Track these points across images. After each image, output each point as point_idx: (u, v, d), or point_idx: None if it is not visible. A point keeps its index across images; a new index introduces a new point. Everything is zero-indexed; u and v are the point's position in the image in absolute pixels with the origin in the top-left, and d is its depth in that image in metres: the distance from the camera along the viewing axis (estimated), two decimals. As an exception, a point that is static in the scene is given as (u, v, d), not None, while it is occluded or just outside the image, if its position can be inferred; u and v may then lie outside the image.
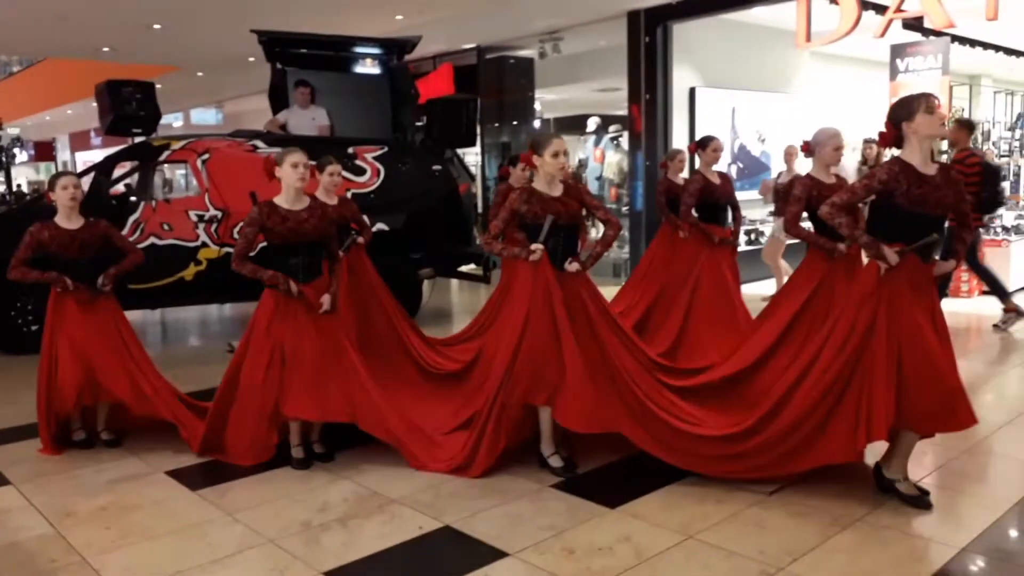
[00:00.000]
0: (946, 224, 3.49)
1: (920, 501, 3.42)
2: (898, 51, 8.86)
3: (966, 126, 7.10)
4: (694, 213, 5.75)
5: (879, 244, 3.27)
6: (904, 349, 3.27)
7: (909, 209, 3.26)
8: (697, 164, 5.95)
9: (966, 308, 7.79)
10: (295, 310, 3.98)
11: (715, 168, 5.91)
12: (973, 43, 9.85)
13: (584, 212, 3.97)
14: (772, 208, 8.65)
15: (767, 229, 8.97)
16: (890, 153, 4.57)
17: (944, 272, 3.48)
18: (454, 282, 10.05)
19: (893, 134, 3.39)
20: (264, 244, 4.06)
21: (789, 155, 8.39)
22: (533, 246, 3.73)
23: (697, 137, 6.75)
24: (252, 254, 3.97)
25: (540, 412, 3.88)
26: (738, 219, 6.00)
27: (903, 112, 3.33)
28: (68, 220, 4.31)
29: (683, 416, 3.81)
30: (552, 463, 3.89)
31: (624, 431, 3.77)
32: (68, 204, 4.28)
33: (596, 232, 8.63)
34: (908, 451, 3.48)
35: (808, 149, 4.48)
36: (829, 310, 4.12)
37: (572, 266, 3.83)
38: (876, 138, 9.50)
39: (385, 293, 5.32)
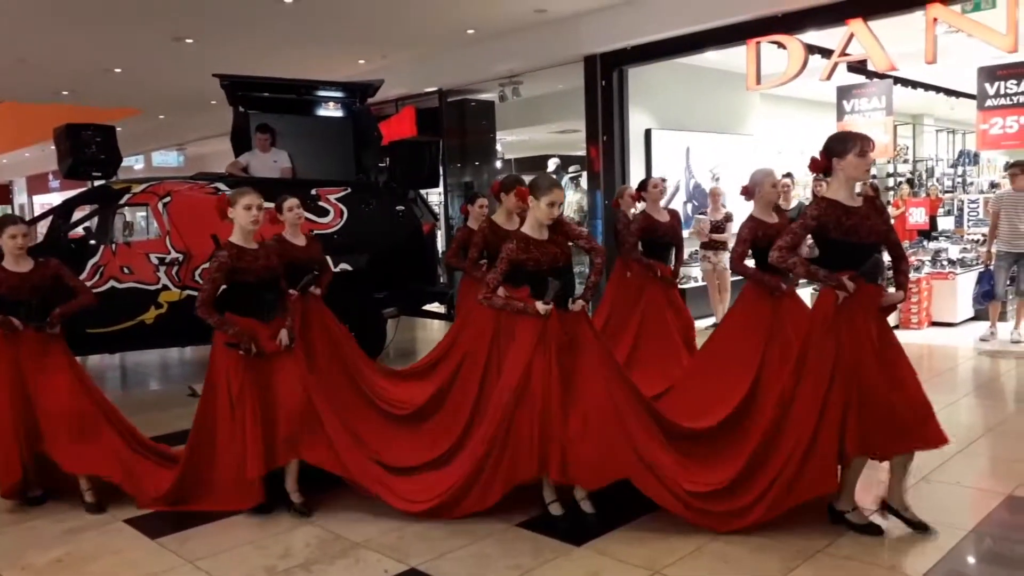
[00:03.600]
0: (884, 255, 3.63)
1: (871, 528, 3.52)
2: (844, 92, 9.23)
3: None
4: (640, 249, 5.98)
5: (836, 275, 3.39)
6: (866, 372, 3.36)
7: (844, 239, 3.41)
8: (641, 206, 6.21)
9: (916, 339, 8.02)
10: (251, 361, 3.94)
11: (667, 206, 6.12)
12: (915, 84, 10.31)
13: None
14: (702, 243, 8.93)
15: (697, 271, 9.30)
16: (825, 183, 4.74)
17: (893, 302, 3.59)
18: (419, 321, 10.05)
19: (823, 164, 3.53)
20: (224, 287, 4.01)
21: (715, 195, 8.80)
22: (540, 307, 3.67)
23: (651, 176, 7.01)
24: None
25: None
26: (679, 257, 6.23)
27: (838, 147, 3.48)
28: (16, 264, 4.21)
29: (688, 467, 3.76)
30: (552, 511, 3.80)
31: (631, 478, 3.67)
32: (16, 253, 4.19)
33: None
34: (855, 480, 3.59)
35: (748, 192, 4.62)
36: (782, 344, 4.25)
37: (576, 305, 3.80)
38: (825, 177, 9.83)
39: (342, 335, 5.26)
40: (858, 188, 3.64)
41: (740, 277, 4.85)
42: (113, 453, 4.24)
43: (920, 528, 3.51)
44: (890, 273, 3.82)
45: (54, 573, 3.46)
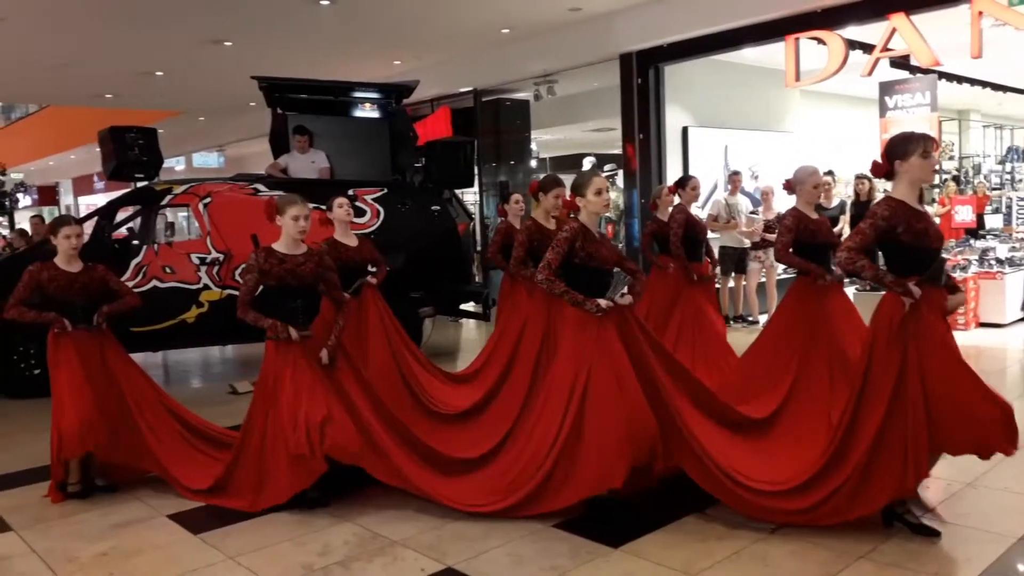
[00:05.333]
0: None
1: (927, 530, 3.42)
2: (886, 88, 9.04)
3: None
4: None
5: (904, 281, 3.28)
6: (936, 375, 3.25)
7: (912, 243, 3.30)
8: (677, 202, 6.23)
9: (964, 340, 7.81)
10: (298, 355, 4.00)
11: (702, 205, 6.11)
12: (960, 79, 10.05)
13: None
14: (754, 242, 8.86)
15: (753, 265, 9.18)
16: (884, 188, 4.63)
17: (957, 306, 3.45)
18: (454, 319, 10.09)
19: (885, 168, 3.43)
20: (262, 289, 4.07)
21: (766, 195, 8.73)
22: (603, 302, 3.65)
23: (689, 174, 6.98)
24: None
25: None
26: (709, 251, 6.27)
27: (900, 150, 3.36)
28: (68, 264, 4.34)
29: (736, 462, 3.72)
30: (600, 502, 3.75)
31: (684, 466, 3.68)
32: (69, 252, 4.32)
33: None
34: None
35: (790, 187, 4.62)
36: (834, 343, 4.19)
37: (626, 298, 3.75)
38: (868, 174, 9.69)
39: (396, 331, 5.37)
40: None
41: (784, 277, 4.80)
42: (151, 445, 4.36)
43: (920, 531, 3.41)
44: None
45: (100, 566, 3.53)
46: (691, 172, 9.01)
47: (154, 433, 4.43)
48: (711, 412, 3.95)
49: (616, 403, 3.58)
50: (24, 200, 25.88)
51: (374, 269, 5.36)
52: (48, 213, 25.21)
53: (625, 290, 3.74)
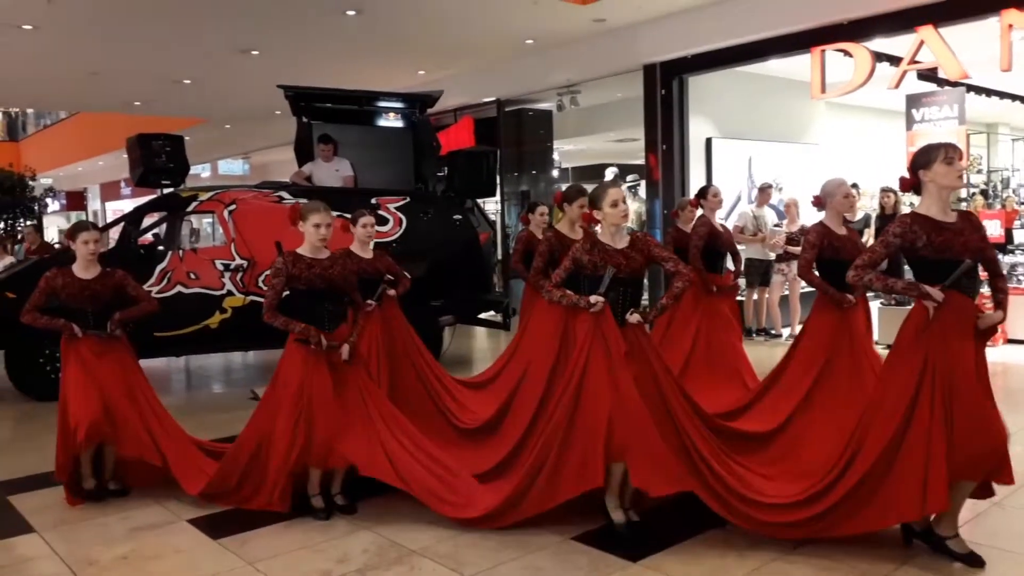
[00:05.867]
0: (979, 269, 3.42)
1: (973, 559, 3.30)
2: (913, 101, 8.94)
3: None
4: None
5: (918, 284, 3.23)
6: (954, 393, 3.18)
7: (937, 257, 3.24)
8: (700, 213, 6.20)
9: (992, 357, 7.67)
10: (322, 362, 4.03)
11: (726, 216, 6.06)
12: (989, 92, 9.93)
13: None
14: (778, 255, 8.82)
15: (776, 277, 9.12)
16: (910, 201, 4.55)
17: (992, 323, 3.31)
18: (474, 329, 10.09)
19: (912, 181, 3.40)
20: (287, 293, 4.11)
21: (791, 207, 8.67)
22: (593, 298, 3.63)
23: (711, 184, 6.96)
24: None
25: (612, 465, 3.66)
26: (738, 262, 6.24)
27: (922, 160, 3.34)
28: (85, 270, 4.38)
29: (745, 480, 3.69)
30: (615, 518, 3.72)
31: (695, 490, 3.61)
32: (88, 257, 4.36)
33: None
34: (959, 504, 3.37)
35: (819, 202, 4.55)
36: (854, 354, 4.15)
37: (633, 317, 3.69)
38: (893, 187, 9.63)
39: (417, 345, 5.37)
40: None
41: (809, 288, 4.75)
42: (154, 441, 4.39)
43: (968, 560, 3.30)
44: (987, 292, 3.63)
45: (119, 569, 3.56)
46: (714, 183, 8.98)
47: (162, 430, 4.44)
48: (719, 433, 3.91)
49: (604, 401, 3.56)
50: (52, 205, 26.30)
51: (391, 277, 5.33)
52: (76, 218, 25.60)
53: (612, 274, 3.65)
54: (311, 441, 3.97)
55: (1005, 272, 8.91)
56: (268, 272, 4.10)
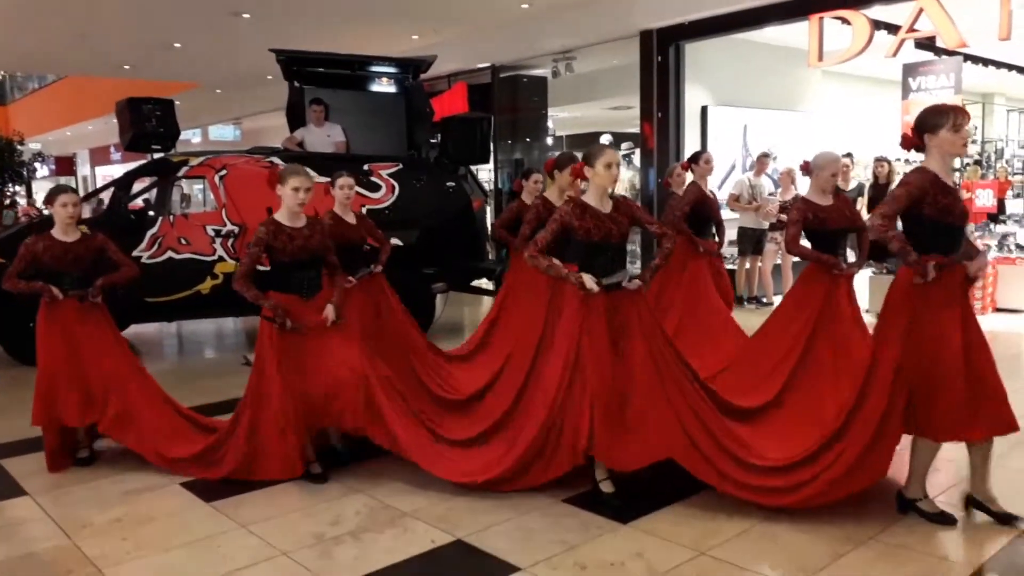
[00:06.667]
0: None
1: (943, 517, 3.39)
2: (910, 70, 8.89)
3: None
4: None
5: (924, 261, 3.20)
6: (944, 354, 3.22)
7: (936, 219, 3.23)
8: (690, 178, 6.22)
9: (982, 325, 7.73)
10: (297, 334, 4.01)
11: (720, 184, 6.08)
12: (986, 62, 9.88)
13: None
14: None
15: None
16: (902, 166, 4.53)
17: (980, 268, 3.34)
18: (467, 296, 10.09)
19: (914, 141, 3.34)
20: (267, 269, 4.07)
21: (786, 176, 8.64)
22: (589, 284, 3.54)
23: (705, 151, 6.94)
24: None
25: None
26: (721, 233, 6.26)
27: (929, 122, 3.28)
28: (65, 234, 4.32)
29: (740, 443, 3.70)
30: (603, 488, 3.73)
31: (677, 457, 3.63)
32: (67, 221, 4.30)
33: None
34: (925, 467, 3.46)
35: (807, 169, 4.55)
36: (839, 326, 4.17)
37: (633, 283, 3.65)
38: (887, 156, 9.60)
39: (400, 313, 5.35)
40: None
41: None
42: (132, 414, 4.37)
43: (1005, 520, 3.35)
44: None
45: (113, 532, 3.58)
46: (709, 151, 8.94)
47: (141, 399, 4.42)
48: (710, 402, 3.90)
49: (593, 378, 3.58)
50: (41, 170, 26.01)
51: (375, 245, 5.28)
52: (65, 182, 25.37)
53: (628, 277, 3.64)
54: (304, 402, 3.98)
55: (996, 242, 8.98)
56: (250, 243, 4.04)
